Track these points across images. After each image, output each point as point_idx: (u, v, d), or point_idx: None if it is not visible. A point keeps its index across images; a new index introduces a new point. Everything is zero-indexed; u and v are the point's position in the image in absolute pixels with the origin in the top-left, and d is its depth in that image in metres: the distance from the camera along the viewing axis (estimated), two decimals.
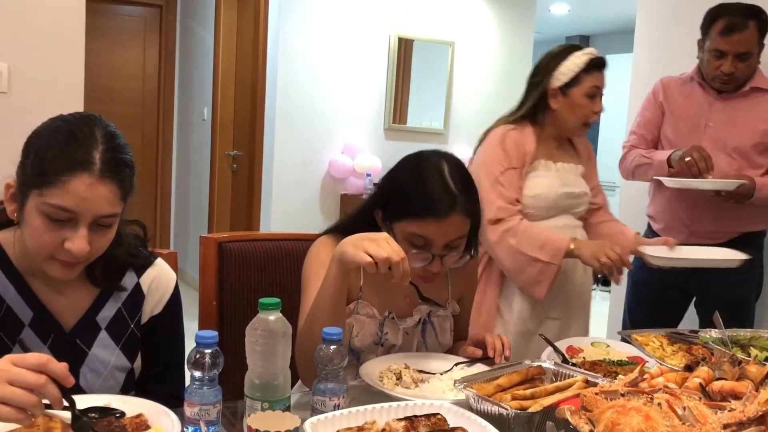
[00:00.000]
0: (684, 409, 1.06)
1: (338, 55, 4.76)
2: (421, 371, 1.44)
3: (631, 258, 2.17)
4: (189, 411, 1.08)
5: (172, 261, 1.53)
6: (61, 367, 0.98)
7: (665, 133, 2.64)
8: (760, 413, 1.04)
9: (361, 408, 1.15)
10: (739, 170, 2.48)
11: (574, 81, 2.14)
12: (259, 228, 4.85)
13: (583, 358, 1.61)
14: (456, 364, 1.51)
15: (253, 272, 1.81)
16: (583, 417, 1.08)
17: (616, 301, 3.24)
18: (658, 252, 2.15)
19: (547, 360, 1.43)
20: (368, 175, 4.73)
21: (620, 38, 7.72)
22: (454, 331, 1.70)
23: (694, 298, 2.72)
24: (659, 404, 1.07)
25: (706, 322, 1.84)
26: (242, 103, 5.30)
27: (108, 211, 1.18)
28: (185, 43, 5.96)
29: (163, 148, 6.09)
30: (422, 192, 1.46)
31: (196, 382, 1.08)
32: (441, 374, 1.45)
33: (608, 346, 1.72)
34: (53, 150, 1.15)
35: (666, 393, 1.11)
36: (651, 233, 2.70)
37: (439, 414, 1.14)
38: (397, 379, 1.40)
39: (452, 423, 1.14)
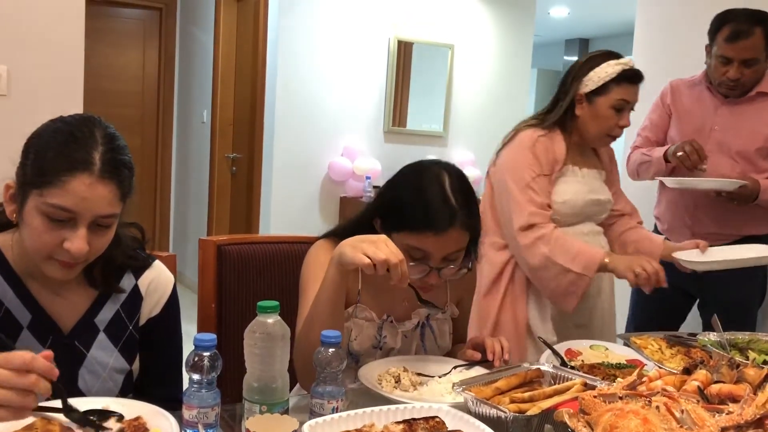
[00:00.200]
0: (682, 412, 1.06)
1: (338, 58, 4.77)
2: (419, 374, 1.44)
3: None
4: (187, 414, 1.08)
5: (171, 264, 1.54)
6: (45, 363, 0.98)
7: (671, 135, 2.65)
8: (758, 416, 1.04)
9: (360, 411, 1.15)
10: (742, 173, 2.48)
11: (602, 90, 2.05)
12: (258, 231, 4.85)
13: (582, 361, 1.61)
14: (454, 367, 1.51)
15: (252, 275, 1.82)
16: (582, 420, 1.08)
17: (620, 303, 3.24)
18: (691, 256, 2.09)
19: (546, 363, 1.43)
20: (368, 177, 4.73)
21: (619, 41, 7.72)
22: (452, 334, 1.70)
23: (697, 301, 2.73)
24: (657, 407, 1.07)
25: (708, 325, 1.83)
26: (242, 105, 5.30)
27: (107, 212, 1.18)
28: (185, 46, 5.97)
29: (162, 150, 6.09)
30: (422, 205, 1.44)
31: (195, 385, 1.08)
32: (439, 377, 1.45)
33: (607, 349, 1.72)
34: (53, 150, 1.16)
35: (664, 396, 1.12)
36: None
37: (437, 417, 1.14)
38: (396, 382, 1.40)
39: (451, 426, 1.14)
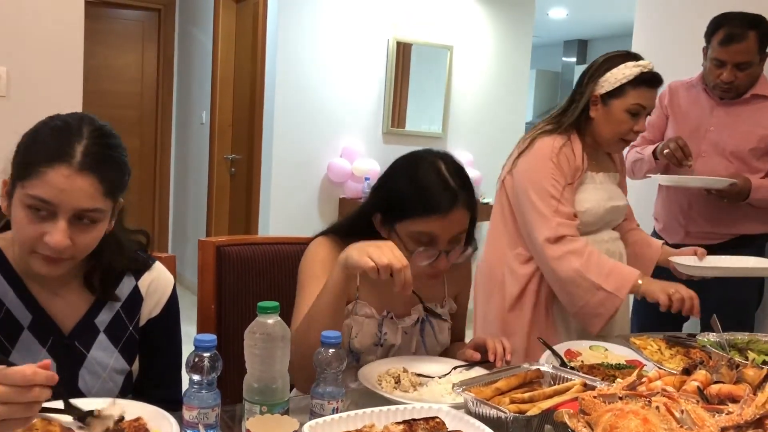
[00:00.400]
0: (682, 412, 1.06)
1: (337, 59, 4.77)
2: (419, 375, 1.44)
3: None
4: (188, 414, 1.08)
5: (171, 265, 1.54)
6: (44, 375, 0.98)
7: (668, 136, 2.67)
8: (758, 416, 1.05)
9: (360, 411, 1.15)
10: (736, 173, 2.50)
11: (618, 92, 1.97)
12: (258, 232, 4.85)
13: (582, 361, 1.61)
14: (454, 368, 1.51)
15: (252, 276, 1.82)
16: (582, 420, 1.08)
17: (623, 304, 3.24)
18: (687, 262, 2.09)
19: (546, 363, 1.43)
20: (367, 178, 4.73)
21: (618, 42, 7.73)
22: (451, 333, 1.71)
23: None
24: (657, 407, 1.07)
25: (707, 325, 1.84)
26: (241, 106, 5.30)
27: (88, 205, 1.17)
28: (184, 47, 5.97)
29: (161, 151, 6.09)
30: (424, 191, 1.48)
31: (195, 386, 1.08)
32: (439, 378, 1.45)
33: (606, 349, 1.72)
34: (39, 144, 1.17)
35: (664, 396, 1.12)
36: (654, 234, 2.72)
37: (437, 417, 1.14)
38: (396, 382, 1.40)
39: (451, 426, 1.14)
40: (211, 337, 1.09)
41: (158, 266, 1.42)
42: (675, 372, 1.35)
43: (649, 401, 1.09)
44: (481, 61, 5.37)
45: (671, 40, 3.18)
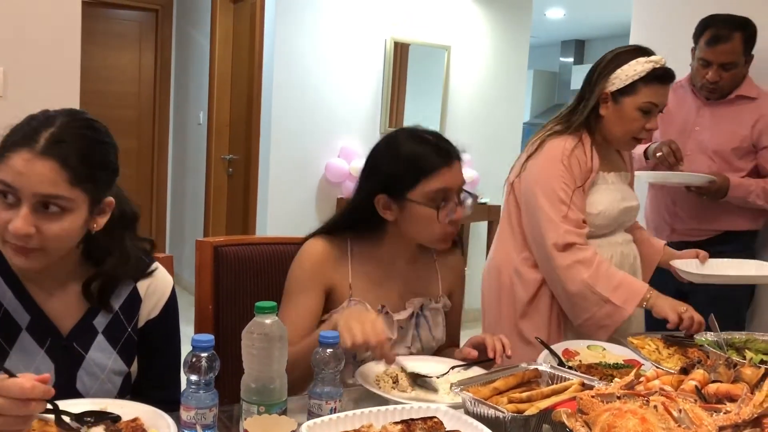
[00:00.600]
0: (680, 411, 1.07)
1: (334, 59, 4.76)
2: (417, 374, 1.44)
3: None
4: (185, 415, 1.08)
5: (168, 265, 1.53)
6: (42, 389, 0.98)
7: (655, 135, 2.70)
8: (756, 415, 1.05)
9: (358, 411, 1.15)
10: (718, 172, 2.56)
11: (629, 89, 1.91)
12: (255, 232, 4.84)
13: (579, 361, 1.61)
14: (452, 367, 1.51)
15: (249, 276, 1.81)
16: (579, 420, 1.08)
17: None
18: (690, 267, 2.07)
19: (544, 363, 1.43)
20: None
21: (615, 43, 7.71)
22: (446, 335, 1.71)
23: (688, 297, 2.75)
24: (655, 407, 1.07)
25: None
26: (238, 106, 5.29)
27: (49, 191, 1.14)
28: (181, 47, 5.96)
29: (159, 152, 6.08)
30: (421, 154, 1.53)
31: (193, 386, 1.08)
32: (437, 377, 1.45)
33: (604, 349, 1.72)
34: (13, 133, 1.17)
35: (662, 395, 1.12)
36: None
37: (435, 417, 1.14)
38: (394, 382, 1.40)
39: (449, 426, 1.14)
40: (208, 338, 1.09)
41: (157, 267, 1.42)
42: (673, 371, 1.35)
43: (647, 401, 1.09)
44: (478, 61, 5.37)
45: (668, 40, 3.17)
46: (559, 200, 1.89)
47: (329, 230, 1.63)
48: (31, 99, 2.70)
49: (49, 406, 1.07)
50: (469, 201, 1.58)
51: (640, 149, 2.62)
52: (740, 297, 2.66)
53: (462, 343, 1.67)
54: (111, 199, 1.26)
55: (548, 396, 1.24)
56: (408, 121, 5.10)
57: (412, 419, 1.12)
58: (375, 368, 1.47)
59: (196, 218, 5.69)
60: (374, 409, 1.17)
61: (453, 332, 1.78)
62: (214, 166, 5.46)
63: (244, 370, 1.15)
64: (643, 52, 1.95)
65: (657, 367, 1.48)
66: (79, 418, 1.10)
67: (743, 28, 2.51)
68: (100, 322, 1.32)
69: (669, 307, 1.81)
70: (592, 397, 1.14)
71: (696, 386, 1.19)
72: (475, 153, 5.27)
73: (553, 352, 1.59)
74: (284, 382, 1.16)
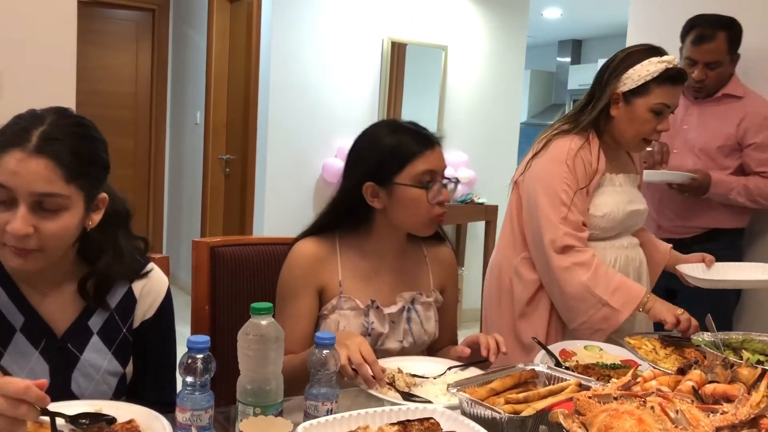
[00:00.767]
0: (677, 412, 1.06)
1: (331, 59, 4.76)
2: (414, 375, 1.44)
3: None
4: (181, 416, 1.08)
5: (165, 265, 1.53)
6: (38, 393, 0.97)
7: None
8: (753, 416, 1.05)
9: (354, 412, 1.15)
10: (704, 169, 2.60)
11: (642, 90, 1.88)
12: (252, 232, 4.84)
13: (576, 361, 1.61)
14: (449, 368, 1.51)
15: (246, 277, 1.81)
16: (576, 421, 1.08)
17: None
18: (696, 272, 2.06)
19: (540, 364, 1.43)
20: None
21: (612, 42, 7.75)
22: (440, 334, 1.71)
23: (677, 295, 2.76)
24: (652, 407, 1.07)
25: (701, 325, 1.85)
26: (235, 106, 5.29)
27: (44, 189, 1.14)
28: (178, 47, 5.95)
29: (155, 152, 6.07)
30: (404, 139, 1.58)
31: (188, 388, 1.08)
32: (434, 378, 1.45)
33: (601, 349, 1.72)
34: (3, 134, 1.16)
35: (659, 396, 1.12)
36: None
37: (432, 418, 1.14)
38: (390, 383, 1.40)
39: (445, 427, 1.14)
40: (204, 339, 1.08)
41: (152, 268, 1.41)
42: (670, 372, 1.35)
43: (644, 401, 1.09)
44: (475, 61, 5.37)
45: (665, 39, 3.17)
46: (560, 201, 1.87)
47: (317, 230, 1.63)
48: (27, 99, 2.67)
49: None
50: (452, 186, 1.62)
51: None
52: (727, 296, 2.68)
53: (460, 342, 1.67)
54: (104, 195, 1.26)
55: (545, 397, 1.24)
56: None
57: (409, 420, 1.12)
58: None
59: (193, 218, 5.69)
60: (371, 410, 1.16)
61: (450, 330, 1.78)
62: (211, 166, 5.46)
63: (240, 372, 1.15)
64: (656, 51, 1.92)
65: (654, 368, 1.48)
66: (74, 420, 1.09)
67: (728, 28, 2.56)
68: (95, 322, 1.32)
69: (666, 310, 1.80)
70: (589, 397, 1.13)
71: (693, 387, 1.19)
72: (473, 153, 5.28)
73: (550, 353, 1.59)
74: (280, 383, 1.16)
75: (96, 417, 1.13)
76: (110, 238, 1.29)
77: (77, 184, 1.18)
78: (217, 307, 1.78)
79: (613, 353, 1.69)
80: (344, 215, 1.62)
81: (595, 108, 1.95)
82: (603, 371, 1.52)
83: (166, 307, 1.41)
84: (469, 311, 4.97)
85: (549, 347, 1.63)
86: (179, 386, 1.11)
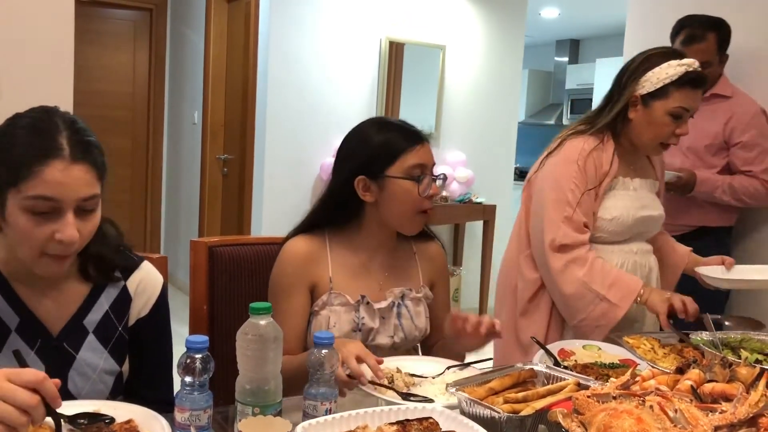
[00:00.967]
0: (675, 411, 1.06)
1: (329, 59, 4.76)
2: (413, 375, 1.44)
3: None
4: (179, 416, 1.08)
5: (162, 265, 1.53)
6: (53, 389, 0.98)
7: None
8: (751, 415, 1.05)
9: (353, 412, 1.15)
10: (692, 168, 2.63)
11: (660, 93, 1.86)
12: (250, 232, 4.84)
13: (575, 361, 1.61)
14: (448, 368, 1.51)
15: (244, 276, 1.81)
16: (575, 420, 1.08)
17: None
18: (716, 273, 2.03)
19: (539, 363, 1.43)
20: None
21: (610, 42, 7.75)
22: (431, 330, 1.71)
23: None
24: (651, 407, 1.07)
25: (674, 317, 1.85)
26: (233, 106, 5.29)
27: (88, 193, 1.17)
28: (176, 46, 5.95)
29: (153, 152, 6.06)
30: (394, 135, 1.59)
31: (187, 387, 1.08)
32: (433, 377, 1.45)
33: (600, 348, 1.72)
34: (20, 145, 1.16)
35: (658, 395, 1.12)
36: None
37: (431, 418, 1.14)
38: (389, 382, 1.40)
39: (444, 426, 1.14)
40: (202, 339, 1.08)
41: (147, 266, 1.41)
42: (668, 371, 1.35)
43: (643, 400, 1.09)
44: (473, 60, 5.37)
45: (663, 38, 3.18)
46: (566, 201, 1.87)
47: (307, 227, 1.64)
48: (25, 99, 2.67)
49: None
50: (440, 182, 1.63)
51: None
52: (717, 292, 2.68)
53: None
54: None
55: (544, 396, 1.24)
56: None
57: (408, 420, 1.12)
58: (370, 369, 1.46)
59: (191, 218, 5.68)
60: (370, 409, 1.16)
61: (439, 322, 1.76)
62: (209, 166, 5.45)
63: (238, 371, 1.15)
64: (675, 54, 1.90)
65: (653, 367, 1.48)
66: (72, 420, 1.09)
67: (717, 29, 2.61)
68: (91, 321, 1.32)
69: (659, 302, 1.81)
70: (588, 397, 1.13)
71: (692, 386, 1.19)
72: (470, 152, 5.28)
73: (548, 352, 1.59)
74: (279, 383, 1.16)
75: (94, 417, 1.12)
76: None
77: (102, 181, 1.22)
78: (215, 306, 1.78)
79: (611, 352, 1.69)
80: (335, 211, 1.63)
81: (612, 110, 1.94)
82: (602, 370, 1.52)
83: (162, 304, 1.41)
84: (468, 311, 4.96)
85: (548, 346, 1.63)
86: (177, 386, 1.11)
